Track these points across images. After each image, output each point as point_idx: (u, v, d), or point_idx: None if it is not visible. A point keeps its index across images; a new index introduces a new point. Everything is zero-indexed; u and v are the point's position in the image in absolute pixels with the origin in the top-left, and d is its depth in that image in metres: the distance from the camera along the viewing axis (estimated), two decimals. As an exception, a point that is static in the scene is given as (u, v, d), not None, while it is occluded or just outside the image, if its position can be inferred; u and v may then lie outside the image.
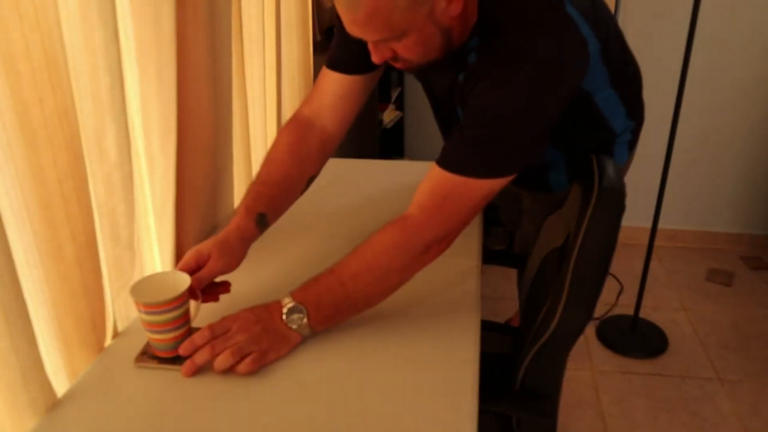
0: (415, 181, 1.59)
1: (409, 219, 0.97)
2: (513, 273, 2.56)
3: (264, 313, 0.94)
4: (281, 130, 1.19)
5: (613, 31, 1.13)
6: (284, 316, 0.93)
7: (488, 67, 0.95)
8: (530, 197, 1.46)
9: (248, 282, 1.14)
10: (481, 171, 0.94)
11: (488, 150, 0.94)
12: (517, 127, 0.93)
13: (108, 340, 0.98)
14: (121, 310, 1.03)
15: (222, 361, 0.88)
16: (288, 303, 0.93)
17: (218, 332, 0.91)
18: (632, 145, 1.32)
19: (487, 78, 0.94)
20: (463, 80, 1.05)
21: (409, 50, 0.93)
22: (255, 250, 1.26)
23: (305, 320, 0.93)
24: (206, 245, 1.00)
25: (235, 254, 1.02)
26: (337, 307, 0.96)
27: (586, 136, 1.21)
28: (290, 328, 0.93)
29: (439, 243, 0.96)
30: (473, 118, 0.96)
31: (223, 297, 1.05)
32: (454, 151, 0.96)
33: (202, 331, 0.91)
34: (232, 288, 1.08)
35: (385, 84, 2.31)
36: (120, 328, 1.02)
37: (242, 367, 0.89)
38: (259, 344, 0.90)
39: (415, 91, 2.70)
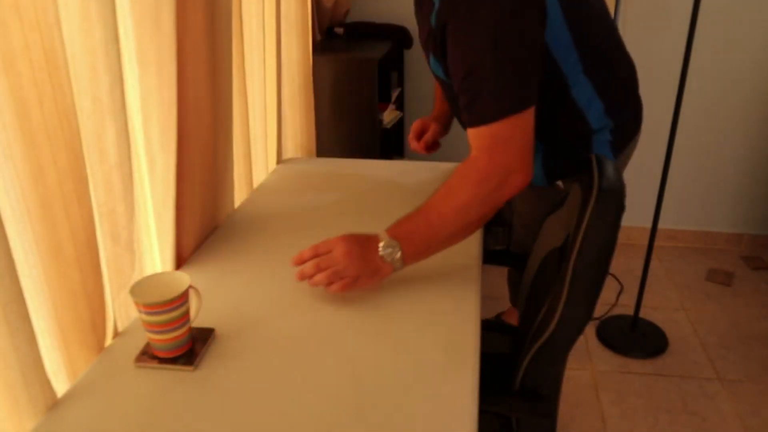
0: (415, 181, 1.59)
1: (476, 161, 1.07)
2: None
3: (365, 242, 1.04)
4: None
5: (591, 14, 1.18)
6: (381, 250, 1.03)
7: (450, 9, 1.04)
8: (518, 196, 1.47)
9: (250, 281, 1.14)
10: (502, 111, 1.03)
11: (495, 90, 1.02)
12: (503, 55, 1.00)
13: (108, 340, 0.98)
14: (121, 310, 1.03)
15: (319, 279, 1.02)
16: (384, 238, 1.04)
17: (321, 251, 1.03)
18: (616, 147, 1.31)
19: (451, 21, 1.04)
20: (434, 24, 1.11)
21: None
22: (256, 249, 1.26)
23: (399, 254, 1.04)
24: (426, 118, 1.55)
25: (446, 123, 1.55)
26: (427, 243, 1.07)
27: (562, 126, 1.24)
28: (384, 261, 1.03)
29: (505, 182, 1.05)
30: (462, 70, 1.04)
31: (233, 297, 1.08)
32: (471, 108, 1.06)
33: (309, 248, 1.04)
34: (234, 289, 1.09)
35: (385, 84, 2.31)
36: (120, 328, 1.02)
37: (334, 287, 1.02)
38: (354, 271, 1.02)
39: (415, 90, 2.70)
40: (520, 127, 1.05)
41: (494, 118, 1.04)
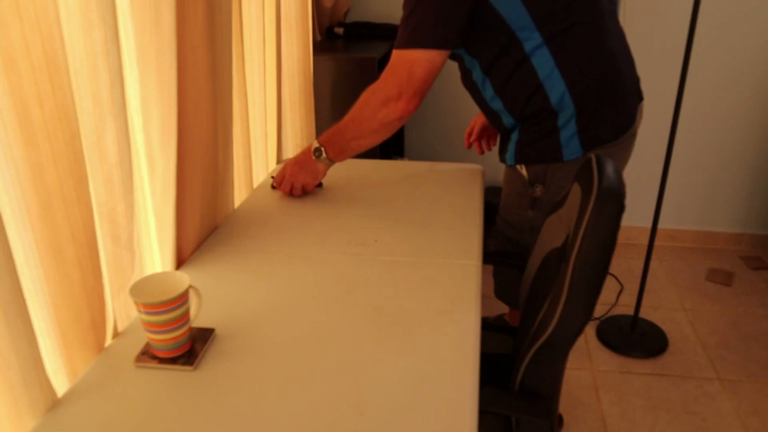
0: (415, 181, 1.59)
1: (375, 83, 1.31)
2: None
3: (302, 157, 1.46)
4: None
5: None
6: (313, 154, 1.43)
7: None
8: (504, 183, 1.55)
9: (250, 281, 1.14)
10: (408, 42, 1.24)
11: (410, 25, 1.24)
12: (425, 3, 1.21)
13: (108, 340, 0.98)
14: (121, 310, 1.03)
15: (283, 189, 1.51)
16: (315, 144, 1.42)
17: (281, 176, 1.50)
18: (586, 140, 1.32)
19: None
20: None
21: None
22: (256, 249, 1.26)
23: (325, 155, 1.42)
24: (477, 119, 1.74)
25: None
26: (341, 145, 1.40)
27: (523, 95, 1.32)
28: (318, 162, 1.44)
29: (396, 101, 1.27)
30: (403, 4, 1.26)
31: (233, 297, 1.09)
32: (398, 34, 1.27)
33: (276, 176, 1.52)
34: (234, 289, 1.09)
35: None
36: (120, 328, 1.02)
37: (295, 192, 1.50)
38: (302, 177, 1.47)
39: (415, 91, 2.70)
40: (427, 61, 1.24)
41: (397, 45, 1.26)
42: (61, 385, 0.88)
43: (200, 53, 1.13)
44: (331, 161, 1.42)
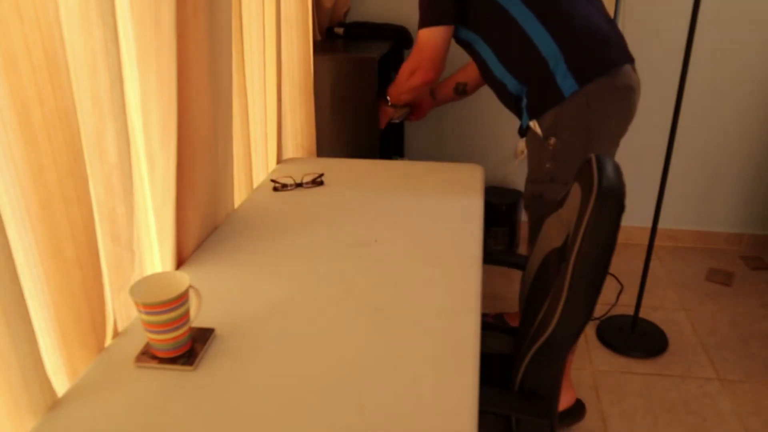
0: (415, 182, 1.59)
1: (410, 54, 1.74)
2: (513, 273, 2.57)
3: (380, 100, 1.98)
4: None
5: None
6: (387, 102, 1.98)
7: None
8: (527, 151, 1.75)
9: (250, 281, 1.14)
10: (419, 24, 1.63)
11: (419, 10, 1.62)
12: None
13: (108, 340, 0.98)
14: (121, 310, 1.03)
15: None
16: (384, 95, 1.96)
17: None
18: (580, 76, 1.52)
19: None
20: None
21: None
22: (256, 249, 1.27)
23: (388, 98, 1.97)
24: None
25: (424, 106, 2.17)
26: (396, 97, 1.94)
27: (521, 56, 1.57)
28: (385, 105, 2.00)
29: (416, 72, 1.72)
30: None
31: (233, 297, 1.09)
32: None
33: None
34: (234, 289, 1.09)
35: (385, 84, 2.31)
36: (120, 328, 1.02)
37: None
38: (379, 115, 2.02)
39: (415, 91, 2.70)
40: (431, 38, 1.62)
41: (419, 26, 1.63)
42: (61, 385, 0.88)
43: (200, 53, 1.13)
44: (395, 105, 1.96)
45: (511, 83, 1.62)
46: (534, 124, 1.60)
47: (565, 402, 1.78)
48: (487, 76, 1.69)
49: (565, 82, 1.52)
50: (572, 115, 1.54)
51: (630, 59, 1.60)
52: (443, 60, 1.66)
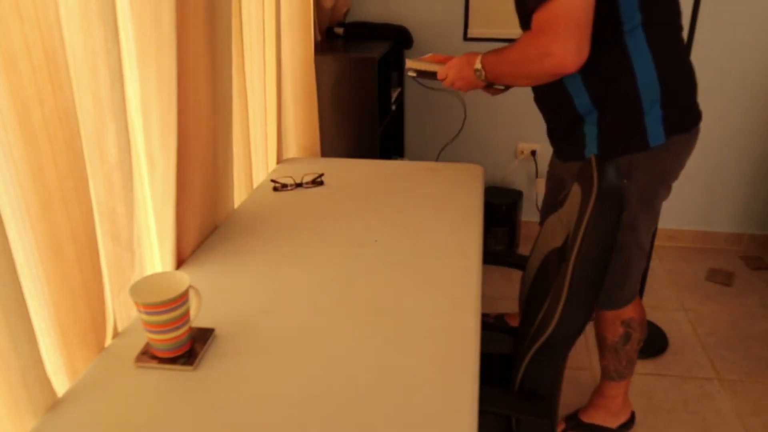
0: (415, 182, 1.59)
1: (528, 35, 1.27)
2: (513, 273, 2.57)
3: (465, 67, 1.45)
4: None
5: None
6: (474, 72, 1.43)
7: None
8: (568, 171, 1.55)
9: (250, 281, 1.14)
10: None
11: None
12: None
13: (108, 340, 0.98)
14: (121, 310, 1.03)
15: (445, 84, 1.52)
16: (477, 65, 1.41)
17: (442, 76, 1.51)
18: (670, 126, 1.34)
19: None
20: None
21: None
22: (256, 249, 1.26)
23: (484, 75, 1.41)
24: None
25: None
26: (498, 74, 1.40)
27: (611, 74, 1.31)
28: (477, 78, 1.44)
29: (545, 58, 1.23)
30: None
31: (233, 297, 1.09)
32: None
33: (441, 72, 1.51)
34: (234, 289, 1.09)
35: (385, 84, 2.31)
36: (120, 328, 1.02)
37: (457, 89, 1.51)
38: (459, 83, 1.48)
39: (415, 90, 2.70)
40: (561, 14, 1.18)
41: (535, 6, 1.21)
42: (61, 385, 0.88)
43: (200, 53, 1.13)
44: (489, 81, 1.44)
45: (582, 100, 1.36)
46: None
47: (624, 416, 1.78)
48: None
49: (654, 129, 1.33)
50: (652, 161, 1.37)
51: None
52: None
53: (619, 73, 1.31)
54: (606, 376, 1.73)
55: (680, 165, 1.44)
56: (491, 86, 1.48)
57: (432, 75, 1.56)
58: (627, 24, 1.27)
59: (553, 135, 1.55)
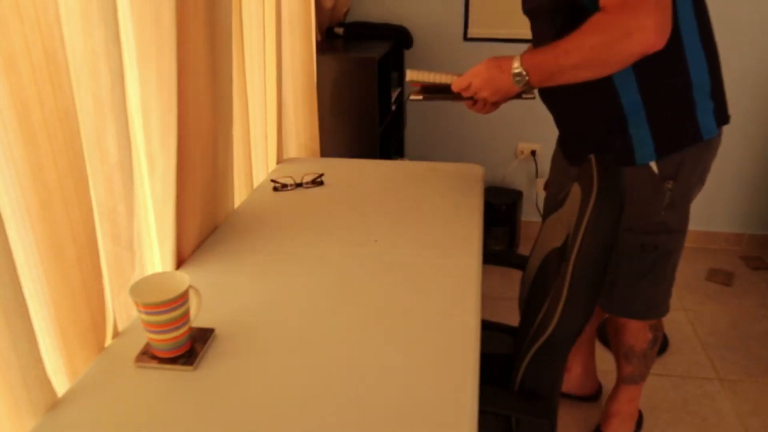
0: (415, 181, 1.59)
1: (604, 15, 1.11)
2: (513, 273, 2.56)
3: (497, 74, 1.25)
4: None
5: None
6: (512, 77, 1.22)
7: None
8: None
9: (250, 281, 1.14)
10: None
11: None
12: None
13: (108, 340, 0.98)
14: (121, 310, 1.03)
15: (468, 106, 1.36)
16: (516, 68, 1.22)
17: (463, 85, 1.29)
18: (719, 118, 1.28)
19: None
20: None
21: None
22: (256, 249, 1.26)
23: (526, 80, 1.22)
24: None
25: None
26: (550, 73, 1.20)
27: (664, 62, 1.20)
28: (514, 84, 1.23)
29: (627, 37, 1.08)
30: None
31: (233, 297, 1.09)
32: None
33: (459, 82, 1.29)
34: (234, 289, 1.09)
35: (385, 84, 2.31)
36: (120, 328, 1.02)
37: (478, 109, 1.35)
38: (490, 97, 1.28)
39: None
40: None
41: None
42: (61, 385, 0.88)
43: (200, 53, 1.13)
44: (530, 87, 1.25)
45: (629, 97, 1.24)
46: (652, 163, 1.28)
47: (636, 415, 1.77)
48: None
49: (705, 119, 1.25)
50: (699, 156, 1.30)
51: None
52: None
53: (672, 62, 1.21)
54: (627, 381, 1.67)
55: (712, 155, 1.35)
56: (519, 96, 1.29)
57: (443, 89, 1.32)
58: (680, 8, 1.19)
59: (575, 140, 1.41)
